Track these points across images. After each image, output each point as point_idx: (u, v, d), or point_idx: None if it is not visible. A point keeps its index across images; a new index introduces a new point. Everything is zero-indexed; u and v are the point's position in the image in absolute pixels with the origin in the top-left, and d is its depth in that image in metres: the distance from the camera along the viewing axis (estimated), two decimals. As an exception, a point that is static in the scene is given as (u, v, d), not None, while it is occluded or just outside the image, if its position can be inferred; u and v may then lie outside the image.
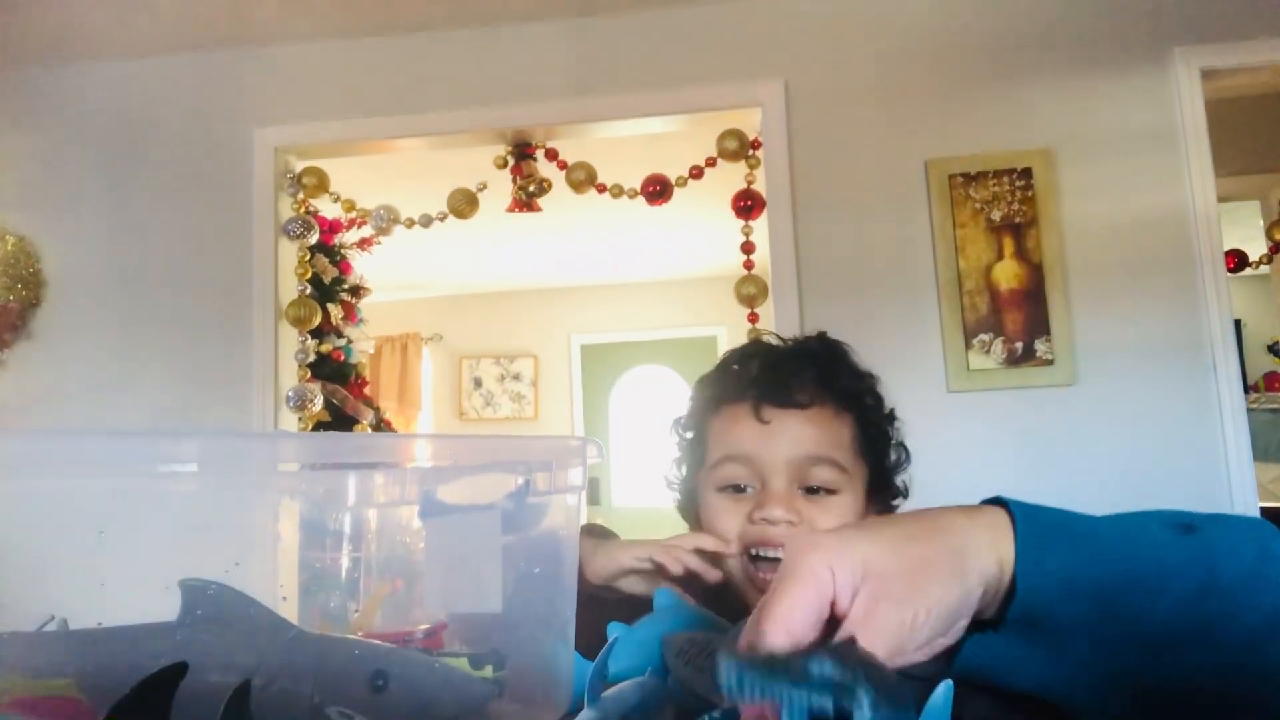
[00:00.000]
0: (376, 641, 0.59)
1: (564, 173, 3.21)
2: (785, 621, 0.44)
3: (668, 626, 0.72)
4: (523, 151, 3.22)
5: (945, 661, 0.65)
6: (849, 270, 2.88)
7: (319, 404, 3.15)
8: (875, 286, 2.86)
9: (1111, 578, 0.47)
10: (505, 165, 3.24)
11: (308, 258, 3.24)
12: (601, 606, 0.95)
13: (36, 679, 0.51)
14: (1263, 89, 3.11)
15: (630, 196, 3.22)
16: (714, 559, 1.02)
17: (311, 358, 3.20)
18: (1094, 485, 2.61)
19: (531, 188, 3.24)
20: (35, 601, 0.55)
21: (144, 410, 3.10)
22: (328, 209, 3.39)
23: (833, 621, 0.46)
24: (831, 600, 0.45)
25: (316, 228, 3.22)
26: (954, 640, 0.48)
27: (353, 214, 3.40)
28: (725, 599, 0.99)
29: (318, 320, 3.18)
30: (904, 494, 1.10)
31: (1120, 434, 2.68)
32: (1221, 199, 2.83)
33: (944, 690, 0.36)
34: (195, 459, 0.54)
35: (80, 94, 3.30)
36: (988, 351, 2.77)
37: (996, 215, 2.81)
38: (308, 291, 3.22)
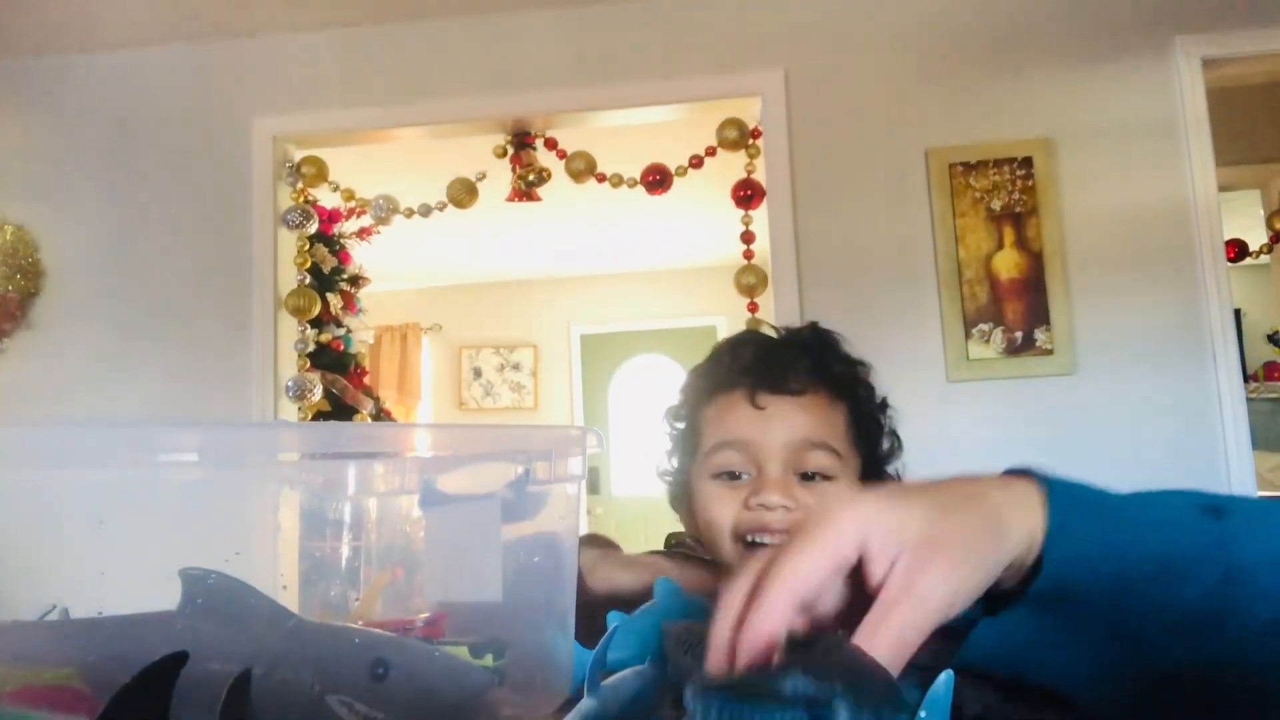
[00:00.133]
0: (377, 630, 0.59)
1: (563, 162, 3.20)
2: (794, 584, 0.41)
3: (667, 615, 0.72)
4: (522, 141, 3.22)
5: (941, 644, 0.65)
6: (849, 260, 2.88)
7: (318, 394, 3.15)
8: (875, 276, 2.86)
9: (1138, 559, 0.46)
10: (505, 154, 3.23)
11: (307, 247, 3.24)
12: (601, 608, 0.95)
13: (38, 668, 0.51)
14: (1263, 78, 3.10)
15: (630, 186, 3.22)
16: (707, 549, 1.02)
17: (311, 347, 3.20)
18: (1093, 474, 2.58)
19: (531, 177, 3.23)
20: (36, 591, 0.55)
21: (143, 400, 3.10)
22: (327, 198, 3.38)
23: (852, 598, 0.44)
24: (851, 568, 0.42)
25: (315, 217, 3.21)
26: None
27: (352, 203, 3.40)
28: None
29: (317, 310, 3.18)
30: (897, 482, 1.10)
31: (1120, 423, 2.68)
32: (1222, 188, 2.83)
33: (945, 680, 0.36)
34: (195, 449, 0.54)
35: (79, 84, 3.29)
36: (987, 341, 2.77)
37: (997, 204, 2.81)
38: (307, 281, 3.21)
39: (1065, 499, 0.47)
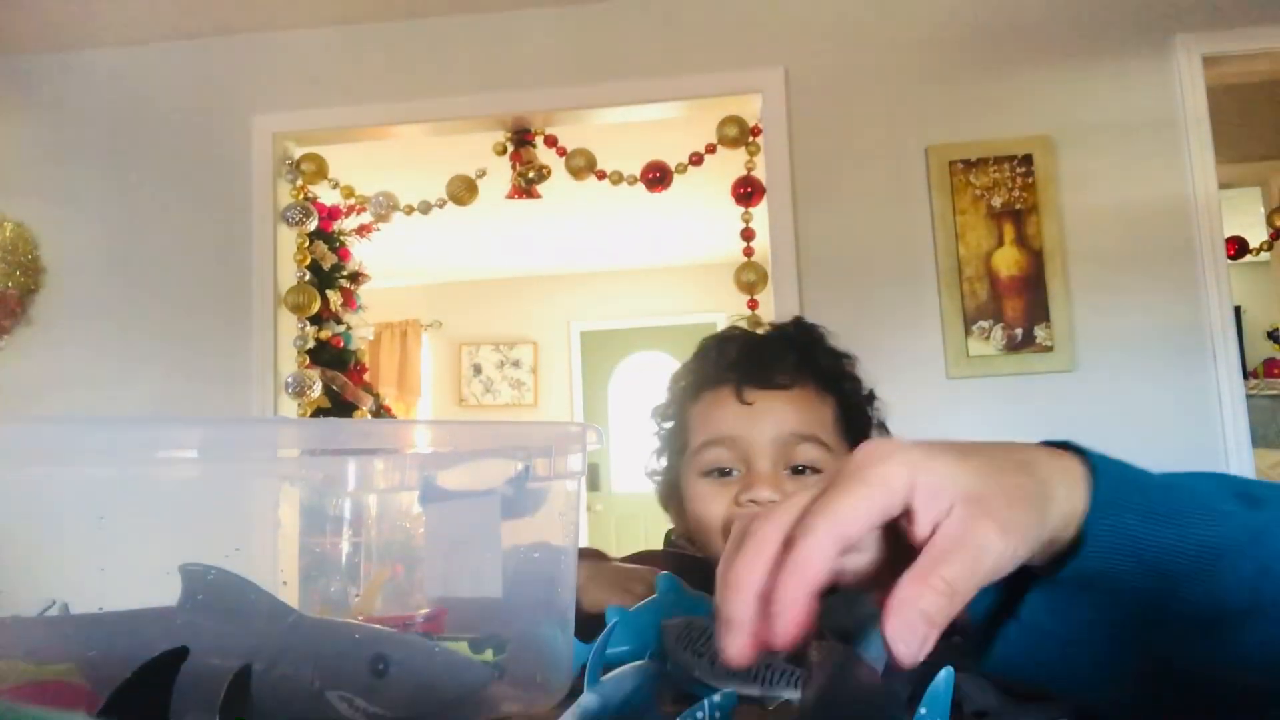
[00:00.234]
0: (377, 626, 0.59)
1: (563, 159, 3.20)
2: (839, 526, 0.38)
3: (666, 611, 0.72)
4: (522, 138, 3.21)
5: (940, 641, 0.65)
6: (849, 257, 2.88)
7: (318, 390, 3.15)
8: (875, 273, 2.86)
9: (1177, 548, 0.44)
10: (504, 152, 3.23)
11: (306, 244, 3.24)
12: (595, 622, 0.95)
13: (38, 664, 0.51)
14: (1263, 76, 3.10)
15: (630, 183, 3.22)
16: (699, 547, 1.02)
17: (310, 344, 3.20)
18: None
19: (531, 174, 3.23)
20: (37, 587, 0.55)
21: (143, 396, 3.10)
22: (326, 195, 3.38)
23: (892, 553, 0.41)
24: (892, 519, 0.39)
25: (315, 214, 3.21)
26: None
27: (351, 200, 3.40)
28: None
29: (317, 307, 3.18)
30: None
31: (1120, 420, 2.68)
32: (1222, 186, 2.83)
33: (945, 676, 0.36)
34: (195, 445, 0.54)
35: (79, 81, 3.29)
36: (987, 338, 2.77)
37: (997, 202, 2.81)
38: (307, 278, 3.21)
39: (1110, 480, 0.45)
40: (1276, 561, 0.44)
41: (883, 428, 1.11)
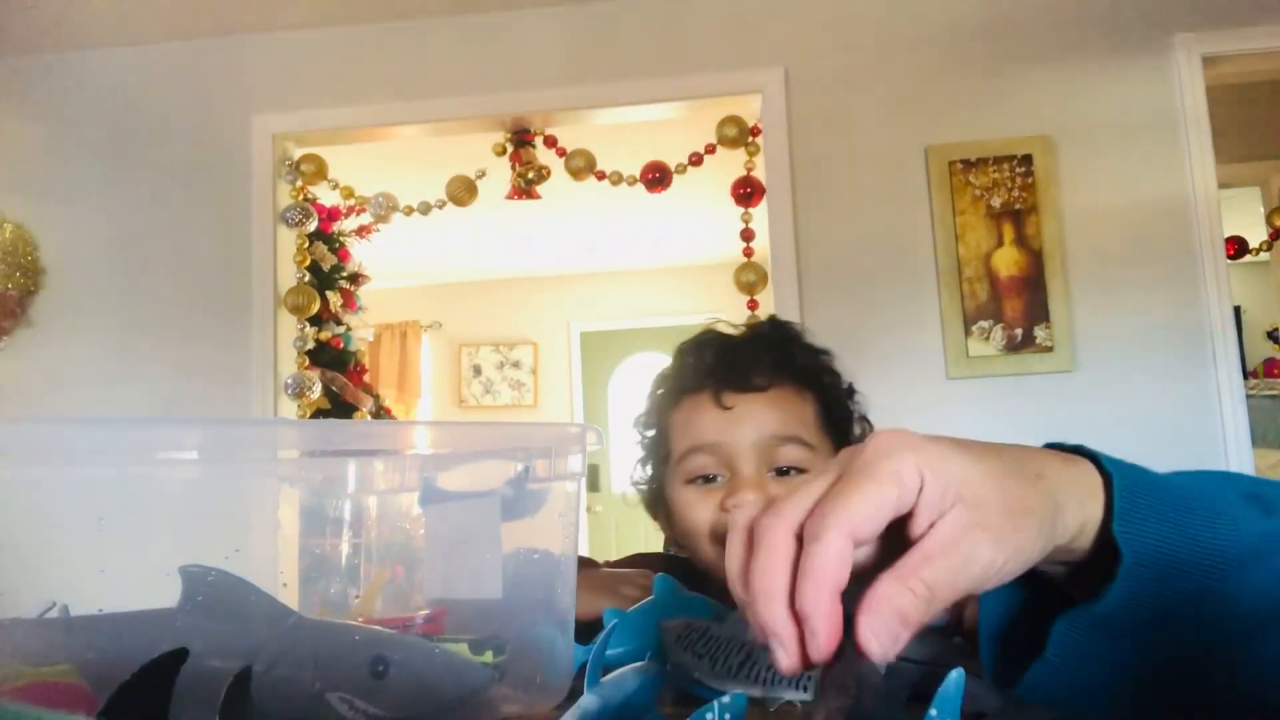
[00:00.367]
0: (377, 627, 0.59)
1: (563, 160, 3.20)
2: (853, 524, 0.37)
3: (665, 612, 0.72)
4: (521, 138, 3.21)
5: (943, 643, 0.65)
6: (849, 257, 2.88)
7: (318, 391, 3.15)
8: (875, 273, 2.86)
9: (1196, 560, 0.43)
10: (504, 152, 3.23)
11: (306, 245, 3.24)
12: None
13: (38, 665, 0.51)
14: (1263, 75, 3.10)
15: (630, 184, 3.22)
16: (689, 553, 1.02)
17: (310, 345, 3.20)
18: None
19: (530, 175, 3.23)
20: (36, 589, 0.55)
21: (143, 397, 3.10)
22: (326, 196, 3.38)
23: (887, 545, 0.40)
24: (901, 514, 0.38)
25: (315, 215, 3.21)
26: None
27: (351, 201, 3.40)
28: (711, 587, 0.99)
29: (316, 308, 3.18)
30: None
31: (1120, 420, 2.68)
32: (1222, 185, 2.83)
33: (956, 678, 0.35)
34: (195, 446, 0.54)
35: (79, 81, 3.29)
36: (987, 338, 2.77)
37: (996, 202, 2.81)
38: (306, 279, 3.21)
39: (1131, 492, 0.43)
40: None
41: (864, 420, 1.11)
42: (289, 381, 3.09)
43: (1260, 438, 3.09)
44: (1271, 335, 4.48)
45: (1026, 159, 2.81)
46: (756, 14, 3.02)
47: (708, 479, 1.00)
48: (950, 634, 0.66)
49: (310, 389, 3.10)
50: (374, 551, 0.67)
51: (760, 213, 3.00)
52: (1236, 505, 0.45)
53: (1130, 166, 2.79)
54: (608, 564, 1.19)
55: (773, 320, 1.14)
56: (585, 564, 1.10)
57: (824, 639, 0.36)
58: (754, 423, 0.99)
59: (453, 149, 3.41)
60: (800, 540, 0.38)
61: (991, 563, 0.37)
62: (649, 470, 1.11)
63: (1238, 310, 3.43)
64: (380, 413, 3.65)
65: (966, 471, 0.39)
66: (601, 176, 3.21)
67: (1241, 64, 2.89)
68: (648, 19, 3.07)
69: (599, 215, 5.15)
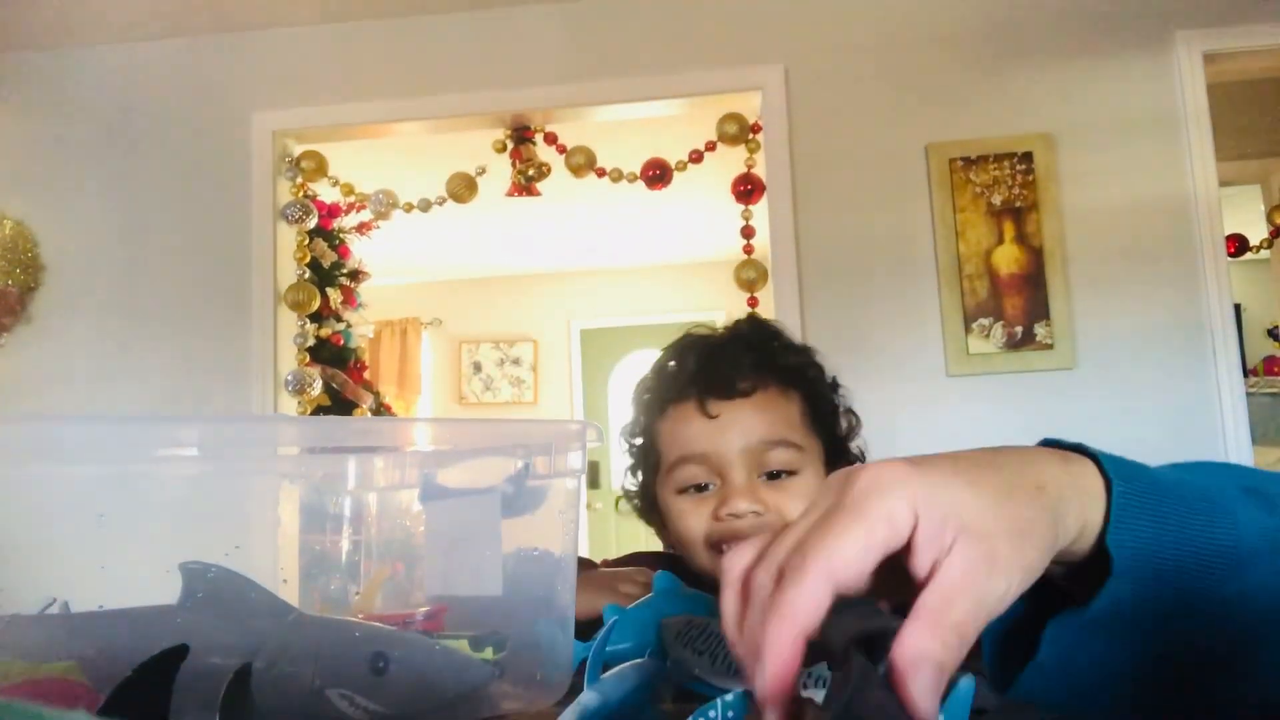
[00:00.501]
0: (377, 624, 0.59)
1: (563, 157, 3.20)
2: (835, 568, 0.35)
3: (665, 609, 0.72)
4: (522, 135, 3.21)
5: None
6: (849, 254, 2.88)
7: (318, 388, 3.15)
8: (875, 270, 2.86)
9: (1195, 561, 0.42)
10: (504, 149, 3.23)
11: (306, 242, 3.24)
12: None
13: (39, 662, 0.51)
14: (1264, 73, 3.10)
15: (630, 181, 3.22)
16: (686, 560, 1.02)
17: (310, 342, 3.20)
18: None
19: (530, 172, 3.23)
20: (37, 585, 0.55)
21: (143, 394, 3.11)
22: (326, 193, 3.38)
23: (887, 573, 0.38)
24: (896, 550, 0.36)
25: (315, 212, 3.21)
26: None
27: (351, 198, 3.39)
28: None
29: (316, 304, 3.18)
30: (861, 459, 1.10)
31: (1120, 418, 2.68)
32: (1222, 183, 2.83)
33: (967, 683, 0.34)
34: (195, 443, 0.54)
35: (79, 78, 3.29)
36: (987, 335, 2.77)
37: (997, 199, 2.80)
38: (306, 276, 3.21)
39: (1129, 494, 0.43)
40: None
41: (851, 414, 1.10)
42: (289, 378, 3.09)
43: (1260, 435, 3.09)
44: (1272, 333, 4.47)
45: (1027, 156, 2.80)
46: (757, 11, 3.02)
47: (699, 488, 1.00)
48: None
49: (310, 386, 3.10)
50: (374, 548, 0.67)
51: (760, 210, 3.00)
52: (1237, 502, 0.44)
53: (1131, 164, 2.79)
54: (606, 563, 1.19)
55: (751, 319, 1.14)
56: (583, 565, 1.10)
57: (770, 680, 0.34)
58: (741, 429, 0.98)
59: (453, 146, 3.40)
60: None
61: (1007, 592, 0.36)
62: (639, 478, 1.10)
63: (1238, 308, 3.42)
64: (380, 410, 3.65)
65: (965, 500, 0.37)
66: (602, 173, 3.21)
67: (1242, 61, 2.89)
68: (648, 16, 3.07)
69: (599, 212, 5.15)
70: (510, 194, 3.30)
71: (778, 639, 0.35)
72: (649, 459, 1.07)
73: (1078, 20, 2.86)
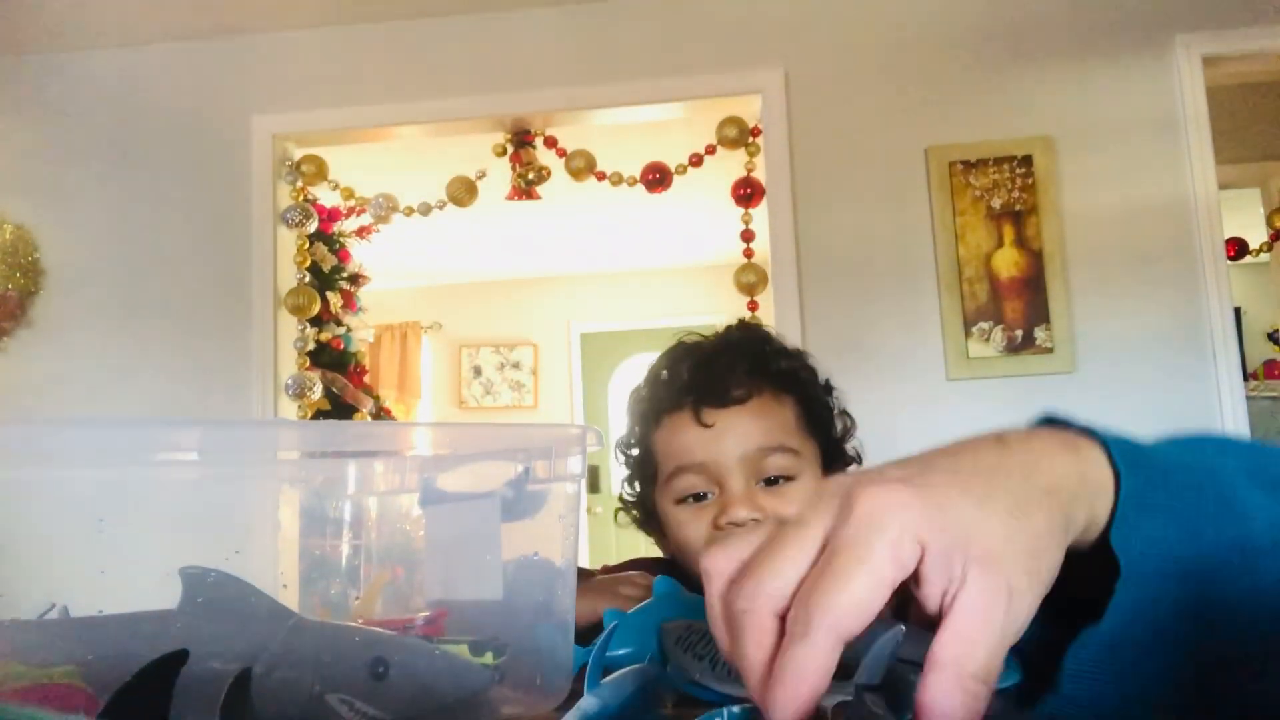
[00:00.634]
0: (377, 629, 0.59)
1: (563, 160, 3.20)
2: (843, 622, 0.33)
3: (665, 614, 0.72)
4: (522, 139, 3.22)
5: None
6: (849, 258, 2.88)
7: (318, 392, 3.15)
8: (875, 274, 2.86)
9: (1210, 552, 0.40)
10: (504, 153, 3.23)
11: (307, 245, 3.24)
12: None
13: (38, 667, 0.51)
14: (1264, 76, 3.11)
15: (630, 184, 3.22)
16: (687, 568, 1.02)
17: (311, 346, 3.20)
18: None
19: (531, 175, 3.23)
20: (36, 590, 0.55)
21: (143, 398, 3.11)
22: (326, 197, 3.38)
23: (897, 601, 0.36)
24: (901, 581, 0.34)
25: (315, 215, 3.21)
26: None
27: (351, 202, 3.40)
28: None
29: (317, 308, 3.18)
30: (858, 460, 1.10)
31: (1120, 421, 2.63)
32: (1222, 186, 2.83)
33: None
34: (195, 447, 0.54)
35: (79, 82, 3.29)
36: (987, 339, 2.77)
37: (997, 203, 2.81)
38: (307, 279, 3.21)
39: (1138, 485, 0.40)
40: None
41: (846, 415, 1.11)
42: (289, 382, 3.09)
43: (1261, 439, 3.08)
44: (1272, 337, 4.48)
45: (1027, 160, 2.81)
46: (757, 15, 3.02)
47: (698, 497, 1.00)
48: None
49: (310, 390, 3.10)
50: (374, 553, 0.67)
51: (760, 213, 3.01)
52: (1246, 490, 0.43)
53: (1130, 167, 2.79)
54: (606, 568, 1.19)
55: (742, 325, 1.14)
56: (580, 576, 1.10)
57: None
58: (737, 437, 0.99)
59: (453, 149, 3.41)
60: (779, 612, 0.35)
61: (1024, 616, 0.34)
62: (637, 488, 1.11)
63: (1238, 311, 3.43)
64: (380, 414, 3.65)
65: (974, 522, 0.34)
66: (602, 177, 3.21)
67: (1242, 65, 2.90)
68: (648, 20, 3.07)
69: (599, 216, 5.15)
70: (510, 198, 3.31)
71: (788, 705, 0.33)
72: (646, 469, 1.07)
73: (1077, 24, 2.87)
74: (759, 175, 3.03)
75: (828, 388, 1.11)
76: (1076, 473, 0.39)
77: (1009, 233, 2.80)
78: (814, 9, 3.01)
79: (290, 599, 0.60)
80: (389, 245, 4.07)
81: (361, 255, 3.66)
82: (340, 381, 3.33)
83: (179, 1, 3.04)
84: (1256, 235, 3.79)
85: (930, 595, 0.34)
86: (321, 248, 3.34)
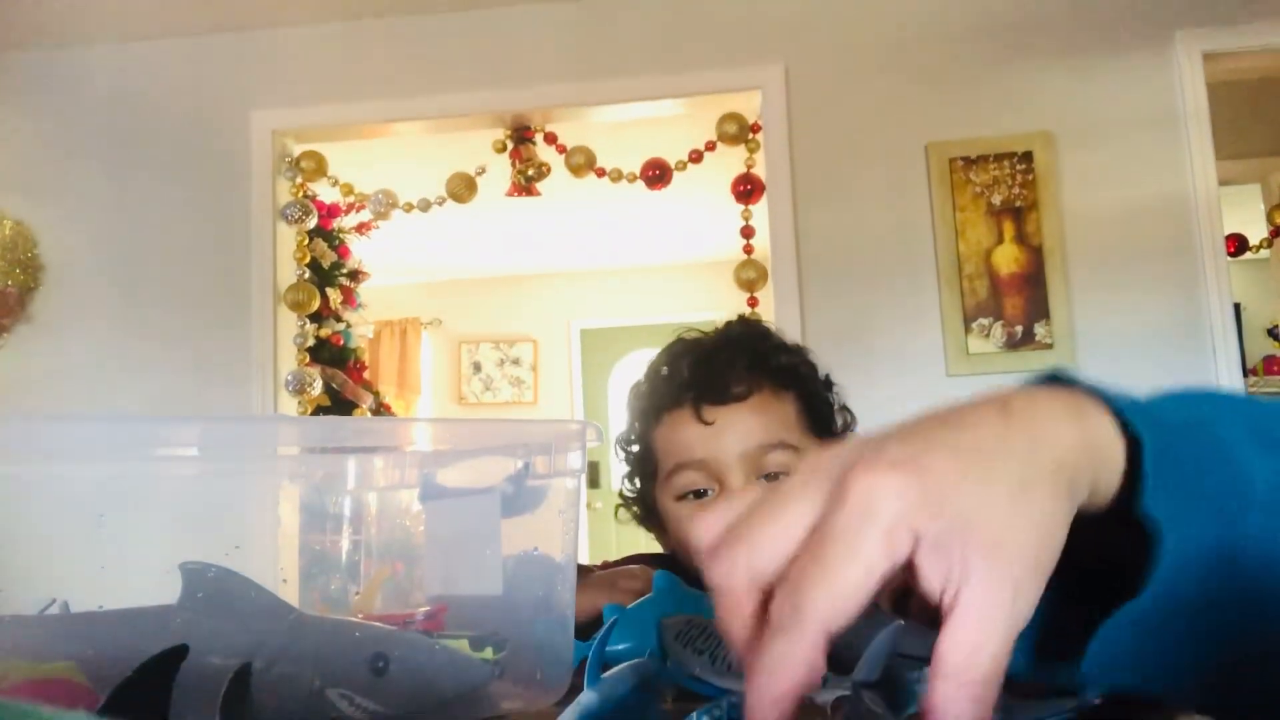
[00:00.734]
0: (377, 624, 0.59)
1: (563, 157, 3.20)
2: (832, 614, 0.31)
3: (665, 608, 0.72)
4: (521, 135, 3.21)
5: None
6: (849, 254, 2.88)
7: (318, 388, 3.15)
8: (875, 270, 2.86)
9: (1231, 518, 0.38)
10: (504, 149, 3.23)
11: (306, 242, 3.24)
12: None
13: (38, 662, 0.51)
14: (1264, 72, 3.10)
15: (629, 181, 3.22)
16: (688, 564, 1.02)
17: (310, 342, 3.20)
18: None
19: (530, 172, 3.23)
20: (36, 585, 0.55)
21: (143, 394, 3.10)
22: (326, 193, 3.38)
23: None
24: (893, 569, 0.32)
25: (315, 212, 3.21)
26: None
27: (351, 198, 3.39)
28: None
29: (316, 305, 3.18)
30: None
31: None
32: (1222, 182, 2.83)
33: None
34: (195, 443, 0.54)
35: (78, 77, 3.29)
36: (987, 335, 2.77)
37: (997, 199, 2.81)
38: (306, 276, 3.21)
39: (1160, 459, 0.38)
40: None
41: (846, 411, 1.10)
42: (289, 378, 3.09)
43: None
44: (1271, 333, 4.48)
45: (1027, 156, 2.80)
46: (757, 11, 3.02)
47: (698, 494, 1.00)
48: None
49: (310, 386, 3.10)
50: (374, 548, 0.67)
51: (760, 210, 3.00)
52: (1245, 449, 0.41)
53: (1131, 163, 2.79)
54: (606, 564, 1.19)
55: (742, 320, 1.14)
56: (579, 572, 1.10)
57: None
58: (737, 434, 0.99)
59: (453, 145, 3.40)
60: (759, 586, 0.34)
61: (1029, 607, 0.33)
62: (637, 484, 1.11)
63: (1238, 307, 3.43)
64: (380, 410, 3.65)
65: (974, 507, 0.32)
66: (601, 173, 3.21)
67: (1242, 61, 2.89)
68: (648, 16, 3.07)
69: (599, 212, 5.15)
70: (510, 194, 3.30)
71: (769, 699, 0.32)
72: (646, 466, 1.07)
73: (1078, 20, 2.86)
74: (759, 171, 3.03)
75: (828, 383, 1.10)
76: (1084, 444, 0.38)
77: (1009, 229, 2.80)
78: (814, 5, 3.00)
79: (290, 594, 0.60)
80: (389, 241, 4.07)
81: (361, 251, 3.65)
82: (340, 377, 3.32)
83: (178, -3, 3.04)
84: (1256, 231, 3.78)
85: (928, 583, 0.32)
86: (321, 244, 3.34)
